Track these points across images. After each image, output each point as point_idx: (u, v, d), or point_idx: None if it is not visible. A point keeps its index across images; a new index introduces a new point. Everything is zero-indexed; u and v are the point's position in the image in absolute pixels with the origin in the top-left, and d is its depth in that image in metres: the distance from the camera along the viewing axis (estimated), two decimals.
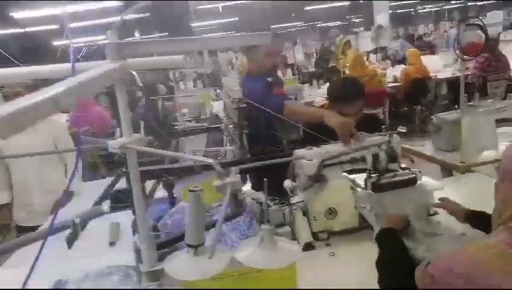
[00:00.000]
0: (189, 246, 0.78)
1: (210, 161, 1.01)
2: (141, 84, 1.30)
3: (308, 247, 1.46)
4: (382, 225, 1.33)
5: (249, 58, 2.25)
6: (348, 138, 1.57)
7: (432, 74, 5.85)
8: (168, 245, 1.15)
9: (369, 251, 1.38)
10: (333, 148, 1.59)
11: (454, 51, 2.10)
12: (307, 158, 1.55)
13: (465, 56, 1.97)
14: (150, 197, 1.42)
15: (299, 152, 1.60)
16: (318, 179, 1.54)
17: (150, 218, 1.62)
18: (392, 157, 1.58)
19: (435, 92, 5.88)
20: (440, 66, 6.27)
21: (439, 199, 1.49)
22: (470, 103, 2.27)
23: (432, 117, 2.41)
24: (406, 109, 6.41)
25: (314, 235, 1.52)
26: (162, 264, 0.84)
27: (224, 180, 0.77)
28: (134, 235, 1.02)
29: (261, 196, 1.78)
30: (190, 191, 0.75)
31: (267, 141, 2.06)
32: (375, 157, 1.56)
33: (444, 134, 2.36)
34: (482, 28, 1.91)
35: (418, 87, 5.53)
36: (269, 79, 2.22)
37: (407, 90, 5.60)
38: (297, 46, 5.67)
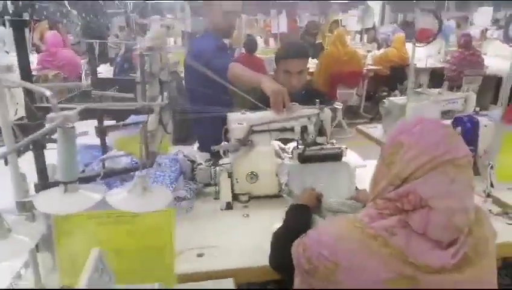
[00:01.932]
0: (60, 182, 0.80)
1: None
2: None
3: (227, 206, 1.52)
4: (295, 199, 1.36)
5: (204, 15, 2.22)
6: (279, 106, 1.59)
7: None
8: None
9: (280, 217, 1.45)
10: (266, 115, 1.61)
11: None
12: (238, 122, 1.58)
13: (417, 42, 1.98)
14: None
15: (233, 115, 1.62)
16: (245, 143, 1.57)
17: (80, 162, 1.66)
18: (321, 131, 1.62)
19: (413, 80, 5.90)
20: (422, 55, 6.27)
21: (356, 189, 1.53)
22: (418, 90, 2.31)
23: (384, 100, 2.44)
24: (384, 93, 6.46)
25: (236, 196, 1.57)
26: (32, 197, 0.87)
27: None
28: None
29: (196, 154, 1.81)
30: (58, 127, 0.76)
31: (215, 103, 2.06)
32: (304, 128, 1.60)
33: (393, 118, 2.40)
34: (437, 16, 1.91)
35: (396, 73, 5.55)
36: (225, 41, 2.22)
37: (385, 74, 5.62)
38: (282, 16, 5.55)
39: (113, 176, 1.34)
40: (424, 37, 1.93)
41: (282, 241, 1.10)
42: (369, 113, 5.94)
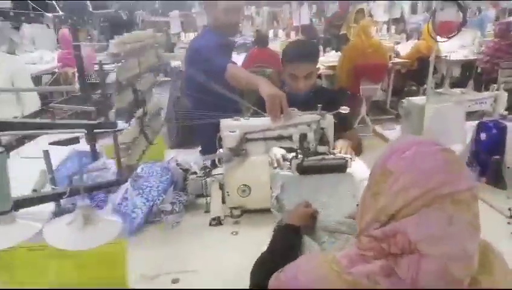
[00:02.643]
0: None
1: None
2: None
3: (215, 222, 1.40)
4: (284, 216, 1.22)
5: (207, 10, 2.09)
6: (276, 112, 1.45)
7: (444, 54, 5.50)
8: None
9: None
10: (261, 122, 1.48)
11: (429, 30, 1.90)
12: (230, 129, 1.45)
13: (438, 37, 1.78)
14: None
15: (225, 122, 1.49)
16: (238, 153, 1.44)
17: (70, 170, 1.59)
18: (322, 139, 1.47)
19: (444, 73, 5.56)
20: (456, 46, 5.88)
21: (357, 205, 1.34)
22: (439, 90, 2.09)
23: (402, 100, 2.23)
24: (413, 87, 6.13)
25: (228, 210, 1.45)
26: None
27: None
28: None
29: (193, 164, 1.70)
30: None
31: (215, 106, 1.94)
32: (303, 137, 1.45)
33: (412, 119, 2.19)
34: (461, 7, 1.70)
35: (425, 66, 5.21)
36: (231, 38, 2.09)
37: (413, 67, 5.30)
38: (303, 8, 5.33)
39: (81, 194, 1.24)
40: (446, 31, 1.72)
41: (264, 269, 0.97)
42: (396, 109, 5.64)
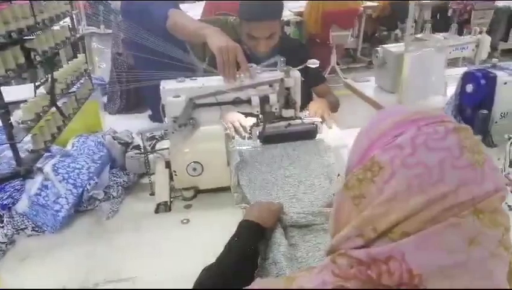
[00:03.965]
0: None
1: None
2: None
3: (161, 208, 1.16)
4: (248, 212, 0.96)
5: None
6: (229, 69, 1.17)
7: None
8: None
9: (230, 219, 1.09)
10: (211, 83, 1.20)
11: None
12: (174, 94, 1.17)
13: None
14: None
15: (167, 85, 1.21)
16: (185, 123, 1.17)
17: None
18: (288, 102, 1.22)
19: (416, 17, 5.31)
20: None
21: (333, 194, 1.08)
22: (419, 36, 1.85)
23: (377, 48, 1.99)
24: (384, 33, 5.88)
25: (177, 192, 1.21)
26: None
27: None
28: None
29: (136, 135, 1.42)
30: None
31: (160, 65, 1.63)
32: (264, 99, 1.20)
33: (387, 70, 1.97)
34: None
35: (397, 10, 4.94)
36: None
37: (384, 11, 5.02)
38: None
39: None
40: None
41: (213, 283, 0.75)
42: (368, 56, 5.41)
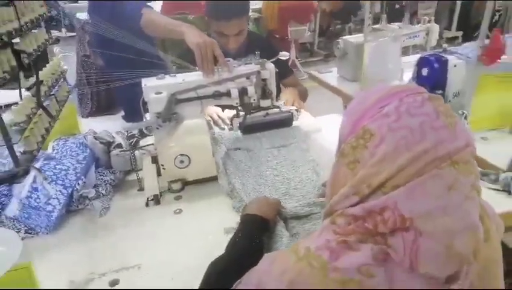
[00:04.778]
0: None
1: None
2: None
3: (152, 201, 1.20)
4: (249, 207, 1.00)
5: None
6: (208, 64, 1.23)
7: None
8: None
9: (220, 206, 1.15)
10: (191, 78, 1.25)
11: None
12: (156, 90, 1.21)
13: None
14: None
15: (148, 82, 1.24)
16: (169, 118, 1.22)
17: None
18: (264, 92, 1.30)
19: (370, 10, 5.55)
20: None
21: (322, 185, 1.15)
22: (376, 26, 1.99)
23: (338, 40, 2.11)
24: (337, 26, 6.10)
25: (166, 185, 1.26)
26: None
27: None
28: None
29: (116, 134, 1.44)
30: None
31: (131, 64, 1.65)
32: (243, 91, 1.26)
33: (348, 60, 2.10)
34: None
35: (349, 3, 5.16)
36: None
37: (338, 5, 5.22)
38: None
39: None
40: None
41: (224, 277, 0.77)
42: (324, 49, 5.60)
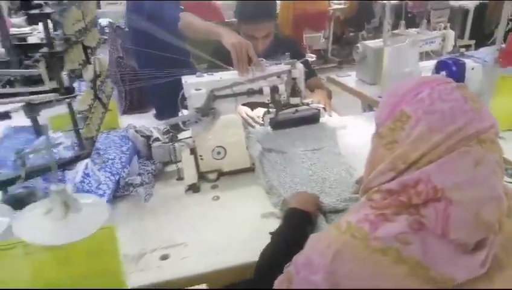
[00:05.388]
0: None
1: None
2: None
3: (192, 189, 1.30)
4: (290, 202, 1.07)
5: None
6: (243, 64, 1.34)
7: None
8: None
9: (255, 195, 1.25)
10: (228, 76, 1.36)
11: None
12: (196, 87, 1.32)
13: None
14: None
15: (189, 79, 1.35)
16: (207, 113, 1.32)
17: (10, 150, 1.37)
18: (294, 90, 1.40)
19: (381, 17, 5.66)
20: None
21: (356, 182, 1.19)
22: (396, 31, 2.09)
23: (357, 45, 2.21)
24: (351, 34, 6.20)
25: (202, 175, 1.36)
26: None
27: None
28: None
29: (153, 129, 1.55)
30: None
31: (167, 63, 1.76)
32: (274, 89, 1.36)
33: (367, 64, 2.19)
34: None
35: (363, 11, 5.27)
36: None
37: (351, 13, 5.33)
38: None
39: (37, 176, 1.06)
40: None
41: (273, 263, 0.84)
42: (337, 56, 5.71)
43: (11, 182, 0.90)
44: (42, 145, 1.26)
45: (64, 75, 0.91)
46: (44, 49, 0.82)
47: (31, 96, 0.91)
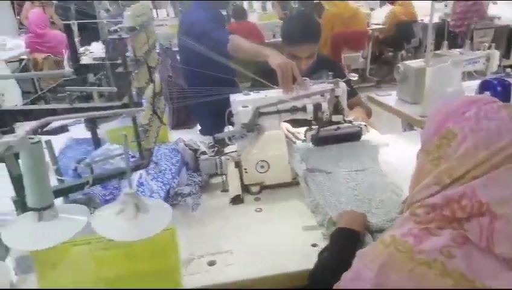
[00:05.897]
0: (32, 209, 0.65)
1: None
2: None
3: (236, 200, 1.36)
4: (337, 221, 1.09)
5: None
6: (288, 83, 1.41)
7: (421, 18, 5.54)
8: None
9: (295, 208, 1.29)
10: (273, 94, 1.43)
11: None
12: (243, 104, 1.40)
13: None
14: None
15: (236, 97, 1.44)
16: (253, 128, 1.39)
17: (72, 159, 1.50)
18: (336, 108, 1.44)
19: (421, 37, 5.61)
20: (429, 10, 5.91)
21: (402, 202, 1.16)
22: (438, 52, 2.09)
23: (398, 64, 2.23)
24: (390, 54, 6.17)
25: (246, 187, 1.42)
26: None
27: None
28: None
29: (200, 143, 1.64)
30: (20, 144, 0.60)
31: (214, 82, 1.86)
32: (317, 107, 1.42)
33: (408, 83, 2.20)
34: None
35: (403, 31, 5.25)
36: (223, 12, 2.00)
37: (391, 33, 5.32)
38: None
39: (102, 183, 1.17)
40: None
41: (325, 285, 0.83)
42: (375, 76, 5.69)
43: (79, 187, 1.00)
44: (102, 156, 1.38)
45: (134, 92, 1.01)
46: (120, 69, 0.92)
47: (107, 111, 1.01)
